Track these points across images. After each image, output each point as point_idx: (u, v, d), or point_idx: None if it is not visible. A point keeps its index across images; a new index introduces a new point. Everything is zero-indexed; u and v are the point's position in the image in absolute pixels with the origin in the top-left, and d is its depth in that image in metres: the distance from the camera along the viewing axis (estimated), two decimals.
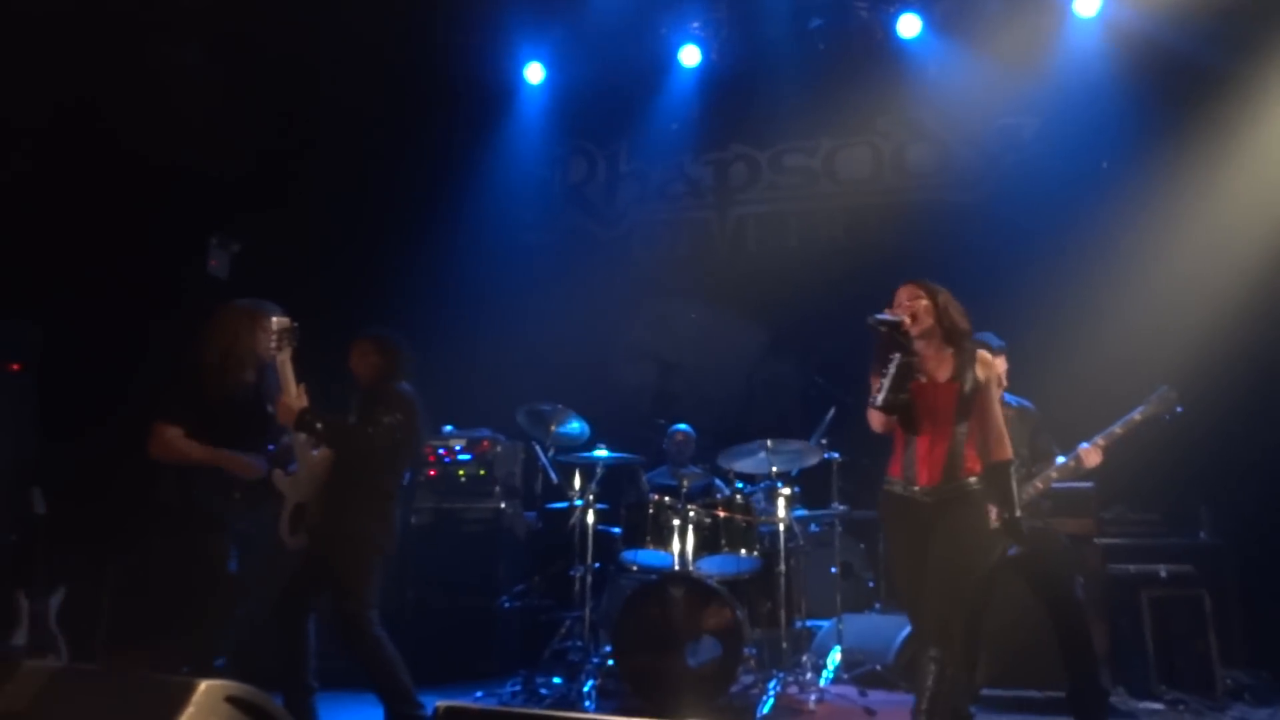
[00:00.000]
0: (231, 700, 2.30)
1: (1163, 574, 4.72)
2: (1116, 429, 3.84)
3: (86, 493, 5.11)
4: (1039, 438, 4.01)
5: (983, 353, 3.31)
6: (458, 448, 5.77)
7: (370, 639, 3.48)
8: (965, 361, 3.22)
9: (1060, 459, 3.89)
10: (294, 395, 3.49)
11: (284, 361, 3.49)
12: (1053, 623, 3.81)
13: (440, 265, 6.83)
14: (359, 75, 6.53)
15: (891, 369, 3.07)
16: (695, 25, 6.84)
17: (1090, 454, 3.81)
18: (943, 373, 3.23)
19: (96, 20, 5.57)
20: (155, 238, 5.90)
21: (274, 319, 3.54)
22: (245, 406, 3.66)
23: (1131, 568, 4.78)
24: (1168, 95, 5.83)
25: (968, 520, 3.17)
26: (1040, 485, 3.87)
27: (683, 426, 5.77)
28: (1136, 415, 3.83)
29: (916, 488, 3.19)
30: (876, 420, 3.22)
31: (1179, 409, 3.81)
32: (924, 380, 3.21)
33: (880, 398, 3.09)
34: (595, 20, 6.71)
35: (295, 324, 3.56)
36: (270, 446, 3.75)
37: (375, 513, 3.64)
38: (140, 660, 3.90)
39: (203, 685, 2.26)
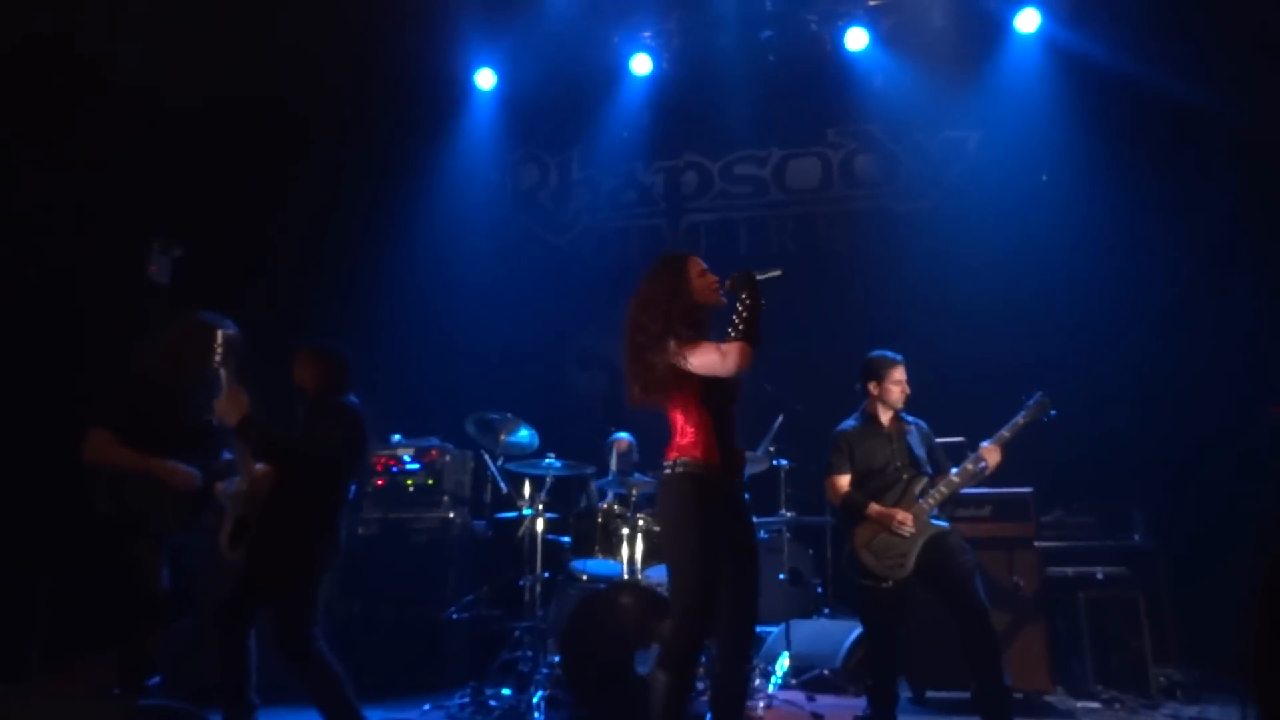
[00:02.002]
0: (166, 718, 2.26)
1: (1099, 576, 4.85)
2: (1004, 433, 3.96)
3: (15, 503, 4.95)
4: (936, 449, 4.17)
5: None
6: (406, 457, 5.70)
7: (311, 655, 3.42)
8: None
9: (955, 470, 4.01)
10: (236, 398, 3.42)
11: (227, 377, 3.44)
12: (955, 623, 3.88)
13: (389, 271, 6.76)
14: (308, 79, 6.45)
15: (755, 307, 2.98)
16: (647, 35, 6.88)
17: (993, 451, 3.94)
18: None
19: (35, 16, 5.43)
20: (94, 241, 5.75)
21: (220, 332, 3.49)
22: (187, 418, 3.61)
23: (1069, 570, 4.91)
24: (1104, 110, 6.03)
25: (750, 515, 3.23)
26: (945, 490, 3.95)
27: (623, 435, 5.72)
28: (1020, 419, 3.96)
29: (734, 476, 3.14)
30: (740, 358, 2.96)
31: (1053, 413, 3.96)
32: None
33: (748, 330, 2.95)
34: (547, 27, 6.72)
35: (239, 338, 3.51)
36: (212, 461, 3.69)
37: (318, 527, 3.59)
38: (72, 678, 3.81)
39: (135, 705, 2.22)
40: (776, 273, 3.07)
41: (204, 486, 3.60)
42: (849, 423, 4.21)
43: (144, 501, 3.47)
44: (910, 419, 4.20)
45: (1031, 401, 3.99)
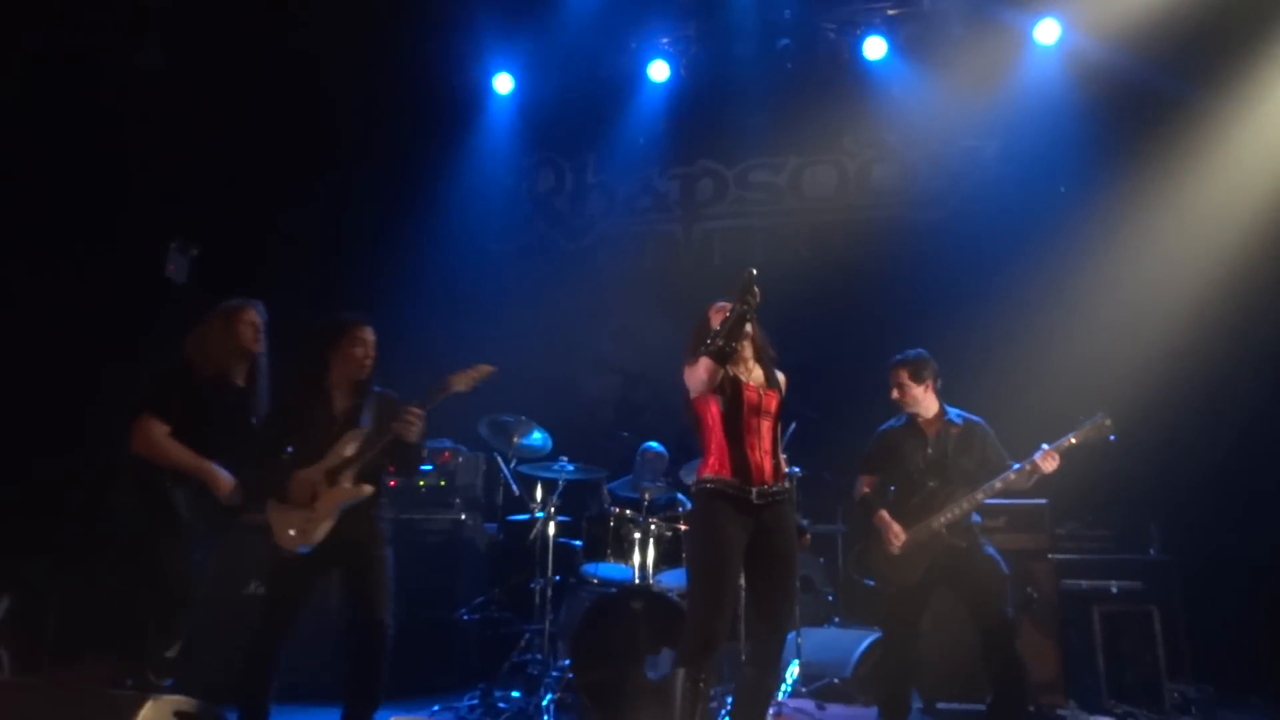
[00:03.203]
0: (180, 715, 2.27)
1: (1114, 589, 4.81)
2: (1068, 440, 3.83)
3: (33, 496, 4.98)
4: (990, 451, 4.00)
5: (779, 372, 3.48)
6: None
7: (389, 643, 3.52)
8: (772, 373, 3.41)
9: (1016, 465, 3.88)
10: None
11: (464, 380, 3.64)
12: (981, 638, 3.84)
13: (405, 274, 6.78)
14: (327, 82, 6.49)
15: (731, 316, 3.10)
16: (665, 41, 6.89)
17: (1049, 458, 3.79)
18: (756, 379, 3.34)
19: (56, 15, 5.48)
20: (112, 240, 5.79)
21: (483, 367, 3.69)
22: (231, 410, 3.65)
23: (1084, 583, 4.87)
24: (1124, 122, 5.99)
25: (792, 524, 3.33)
26: (966, 506, 3.86)
27: (654, 445, 5.67)
28: (1072, 439, 3.82)
29: (752, 488, 3.20)
30: (703, 371, 3.14)
31: (1113, 437, 3.81)
32: (749, 383, 3.30)
33: (712, 344, 3.08)
34: (565, 33, 6.74)
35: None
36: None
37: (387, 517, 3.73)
38: (88, 673, 3.82)
39: (150, 700, 2.23)
40: (751, 271, 3.13)
41: (237, 497, 3.59)
42: (892, 421, 4.18)
43: (182, 498, 3.47)
44: (960, 418, 4.06)
45: (1089, 422, 3.83)
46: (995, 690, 3.79)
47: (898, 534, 3.88)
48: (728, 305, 3.31)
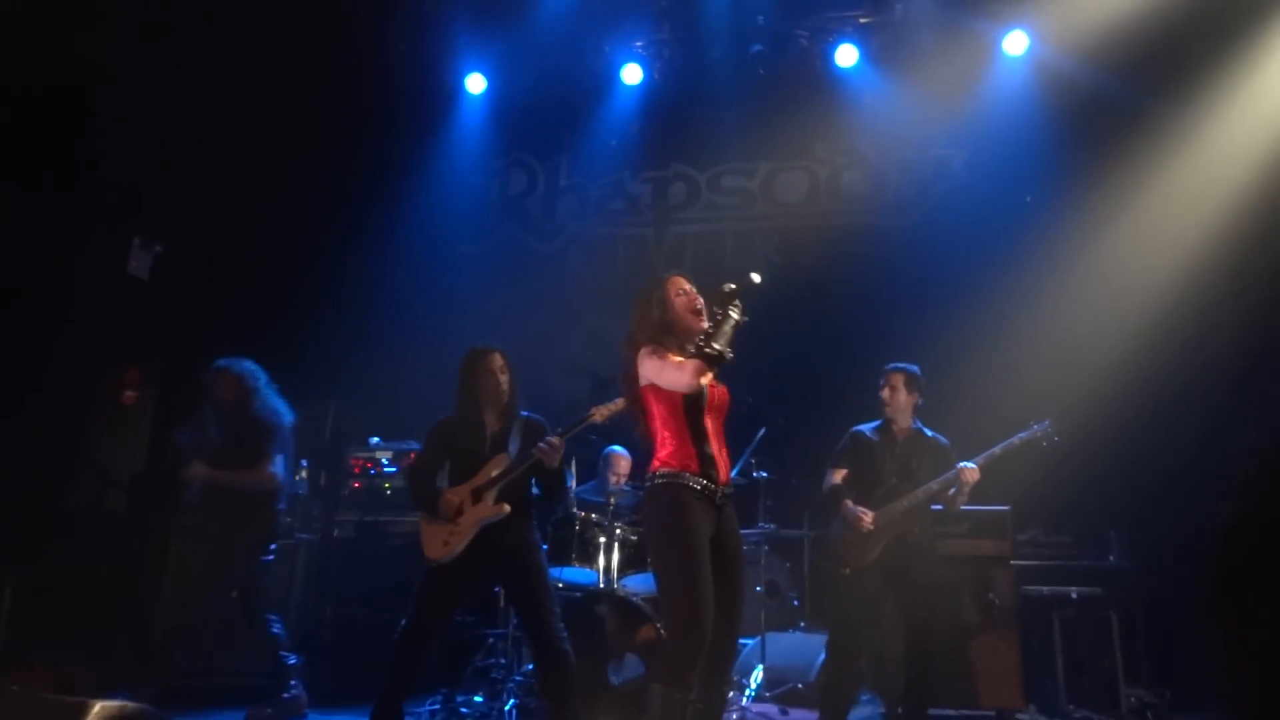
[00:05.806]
0: None
1: (1074, 595, 4.88)
2: (996, 451, 4.14)
3: None
4: (946, 466, 4.20)
5: None
6: (384, 460, 5.68)
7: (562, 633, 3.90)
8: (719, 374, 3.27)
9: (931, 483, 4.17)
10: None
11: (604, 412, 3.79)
12: (907, 642, 4.06)
13: (373, 274, 6.72)
14: (296, 79, 6.41)
15: (727, 325, 2.94)
16: (638, 44, 6.89)
17: (970, 472, 4.07)
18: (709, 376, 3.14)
19: (20, 8, 5.38)
20: (73, 235, 5.69)
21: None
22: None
23: (1044, 589, 4.93)
24: (1089, 133, 6.08)
25: (737, 524, 3.20)
26: (925, 492, 4.12)
27: (617, 448, 5.66)
28: (1016, 441, 4.15)
29: (715, 487, 3.08)
30: (691, 375, 2.94)
31: (1056, 438, 4.14)
32: (712, 379, 3.14)
33: (708, 347, 2.89)
34: (538, 34, 6.71)
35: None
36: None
37: None
38: (35, 679, 3.74)
39: (96, 706, 2.18)
40: (755, 278, 3.06)
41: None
42: (866, 426, 4.39)
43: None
44: (930, 433, 4.33)
45: (1039, 428, 4.15)
46: (907, 692, 4.02)
47: (864, 514, 4.10)
48: (689, 287, 3.21)
